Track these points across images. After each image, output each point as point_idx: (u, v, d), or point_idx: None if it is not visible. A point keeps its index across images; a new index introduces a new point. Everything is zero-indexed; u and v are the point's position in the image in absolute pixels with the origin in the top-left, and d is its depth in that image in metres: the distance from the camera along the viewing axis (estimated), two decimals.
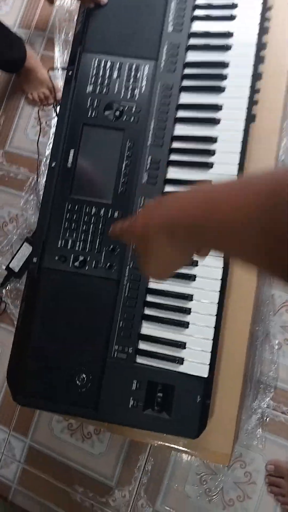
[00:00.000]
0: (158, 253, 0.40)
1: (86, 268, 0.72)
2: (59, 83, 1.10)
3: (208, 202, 0.33)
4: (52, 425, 1.09)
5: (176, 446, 0.75)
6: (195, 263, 0.69)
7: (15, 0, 1.29)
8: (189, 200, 0.36)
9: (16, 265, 1.16)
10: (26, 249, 1.16)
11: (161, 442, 0.75)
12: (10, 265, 1.16)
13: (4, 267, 1.16)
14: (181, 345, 0.68)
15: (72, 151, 0.74)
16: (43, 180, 1.10)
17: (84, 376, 0.70)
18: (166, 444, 0.75)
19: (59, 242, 0.73)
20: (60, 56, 1.12)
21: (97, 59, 0.75)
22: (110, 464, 1.03)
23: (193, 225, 0.35)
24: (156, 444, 0.75)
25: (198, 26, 0.74)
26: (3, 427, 1.13)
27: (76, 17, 0.77)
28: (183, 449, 0.76)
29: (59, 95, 0.86)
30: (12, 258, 1.16)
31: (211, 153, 0.70)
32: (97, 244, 0.72)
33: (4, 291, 1.17)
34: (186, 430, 0.68)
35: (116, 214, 0.72)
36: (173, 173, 0.72)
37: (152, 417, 0.68)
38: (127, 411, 0.68)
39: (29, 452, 1.10)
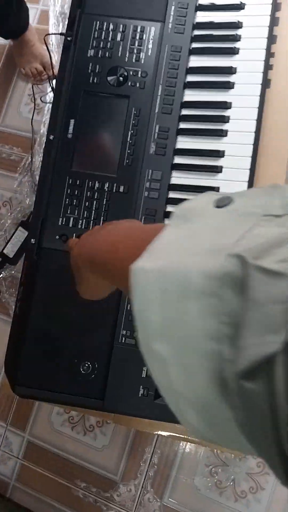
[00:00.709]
0: (86, 278, 0.45)
1: None
2: (54, 58, 1.03)
3: (111, 246, 0.38)
4: (52, 419, 1.04)
5: (187, 437, 0.71)
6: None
7: None
8: (104, 241, 0.40)
9: (10, 250, 1.10)
10: (21, 234, 1.10)
11: (172, 433, 0.71)
12: (4, 251, 1.10)
13: None
14: None
15: (72, 121, 0.68)
16: (38, 160, 1.03)
17: (89, 364, 0.65)
18: (177, 435, 0.70)
19: (60, 220, 0.67)
20: (55, 30, 1.06)
21: (98, 22, 0.69)
22: (114, 458, 0.98)
23: (99, 264, 0.39)
24: (167, 435, 0.70)
25: None
26: None
27: None
28: (195, 439, 0.71)
29: (54, 71, 0.80)
30: (6, 243, 1.10)
31: (225, 119, 0.65)
32: (101, 221, 0.66)
33: None
34: None
35: (121, 188, 0.66)
36: (183, 143, 0.67)
37: (163, 407, 0.63)
38: (137, 401, 0.63)
39: (27, 447, 1.05)
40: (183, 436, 0.71)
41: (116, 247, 0.37)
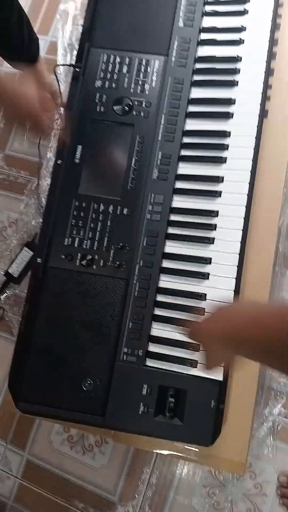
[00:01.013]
0: (215, 351, 0.52)
1: (94, 267, 0.69)
2: (62, 87, 1.08)
3: (256, 321, 0.42)
4: (52, 438, 1.04)
5: (186, 456, 0.71)
6: (208, 261, 0.67)
7: None
8: (242, 318, 0.45)
9: (15, 270, 1.12)
10: (26, 254, 1.13)
11: (171, 452, 0.71)
12: (9, 270, 1.12)
13: (2, 273, 1.12)
14: (195, 347, 0.64)
15: (79, 147, 0.72)
16: (44, 183, 1.07)
17: (91, 381, 0.67)
18: (176, 453, 0.71)
19: (66, 240, 0.70)
20: (63, 60, 1.11)
21: (105, 55, 0.73)
22: (112, 478, 0.98)
23: (241, 338, 0.44)
24: (165, 454, 0.71)
25: (209, 21, 0.73)
26: None
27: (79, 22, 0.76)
28: (194, 458, 0.72)
29: (62, 99, 0.84)
30: (11, 263, 1.12)
31: (224, 147, 0.68)
32: (105, 242, 0.69)
33: (2, 297, 1.13)
34: (200, 437, 0.64)
35: (125, 211, 0.69)
36: (184, 168, 0.70)
37: (163, 424, 0.65)
38: (137, 418, 0.64)
39: (26, 466, 1.05)
40: (181, 454, 0.72)
41: (258, 324, 0.41)
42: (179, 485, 0.94)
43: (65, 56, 1.11)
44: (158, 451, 0.73)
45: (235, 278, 0.65)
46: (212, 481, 0.92)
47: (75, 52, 1.07)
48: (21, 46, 0.84)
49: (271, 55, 0.71)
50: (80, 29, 0.80)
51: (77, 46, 0.99)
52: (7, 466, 1.07)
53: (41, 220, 0.89)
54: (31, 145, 1.14)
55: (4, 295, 1.14)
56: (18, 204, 1.14)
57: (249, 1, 0.72)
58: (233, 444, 0.68)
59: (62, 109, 0.81)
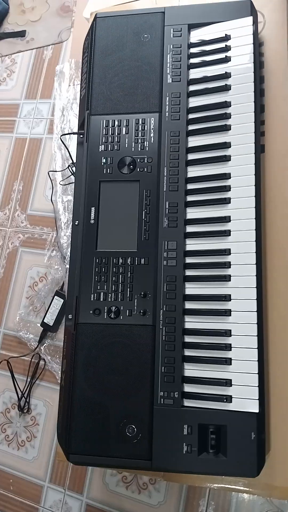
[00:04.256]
0: None
1: (121, 317, 0.73)
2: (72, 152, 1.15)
3: None
4: (106, 480, 1.07)
5: (236, 487, 0.73)
6: (228, 298, 0.70)
7: (19, 75, 1.38)
8: None
9: (50, 319, 1.18)
10: (58, 302, 1.19)
11: (221, 485, 0.73)
12: (45, 320, 1.19)
13: (39, 325, 1.19)
14: (227, 383, 0.67)
15: (93, 209, 0.77)
16: (62, 233, 1.14)
17: (134, 426, 0.70)
18: (226, 486, 0.73)
19: (92, 296, 0.75)
20: (60, 120, 1.19)
21: (105, 120, 0.79)
22: None
23: None
24: (215, 487, 0.73)
25: (195, 73, 0.78)
26: (57, 487, 1.12)
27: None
28: (244, 489, 0.73)
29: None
30: (46, 313, 1.19)
31: (226, 188, 0.72)
32: (128, 292, 0.74)
33: (42, 348, 1.18)
34: (245, 470, 0.66)
35: (142, 261, 0.74)
36: (192, 213, 0.74)
37: (208, 461, 0.67)
38: (182, 458, 0.67)
39: (87, 510, 1.08)
40: (233, 486, 0.73)
41: None
42: None
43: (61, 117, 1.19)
44: (209, 486, 0.75)
45: (256, 312, 0.68)
46: (269, 507, 0.93)
47: (72, 112, 1.15)
48: None
49: (259, 94, 0.75)
50: (77, 88, 0.87)
51: (75, 106, 1.07)
52: None
53: (67, 266, 0.95)
54: (50, 203, 1.22)
55: (44, 345, 1.19)
56: (44, 258, 1.21)
57: (230, 49, 0.77)
58: (281, 471, 0.70)
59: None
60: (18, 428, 1.20)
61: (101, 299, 0.74)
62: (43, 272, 1.22)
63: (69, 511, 1.11)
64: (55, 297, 1.19)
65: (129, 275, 0.74)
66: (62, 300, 1.18)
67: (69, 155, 0.93)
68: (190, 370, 0.70)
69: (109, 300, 0.74)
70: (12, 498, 1.16)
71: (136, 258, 0.74)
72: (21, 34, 1.40)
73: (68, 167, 1.02)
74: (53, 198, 1.18)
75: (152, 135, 0.77)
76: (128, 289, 0.74)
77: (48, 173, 1.15)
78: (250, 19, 0.77)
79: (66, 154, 1.11)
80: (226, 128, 0.74)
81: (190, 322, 0.71)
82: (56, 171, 1.14)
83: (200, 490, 0.99)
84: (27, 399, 1.19)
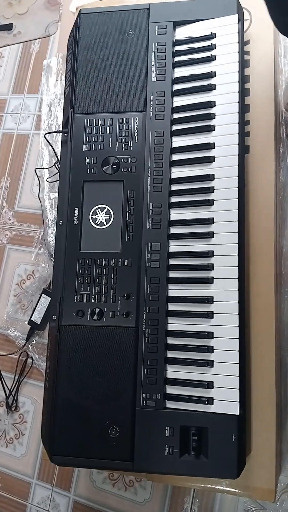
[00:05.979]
0: None
1: (104, 319, 0.73)
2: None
3: None
4: (93, 477, 1.07)
5: (218, 487, 0.74)
6: (210, 300, 0.70)
7: (6, 69, 1.36)
8: None
9: (37, 317, 1.18)
10: (45, 301, 1.18)
11: (203, 485, 0.74)
12: (32, 318, 1.18)
13: (27, 323, 1.18)
14: (209, 385, 0.67)
15: (76, 209, 0.76)
16: (49, 231, 1.13)
17: (116, 428, 0.70)
18: (208, 486, 0.74)
19: (75, 298, 0.74)
20: (48, 116, 1.18)
21: (88, 119, 0.78)
22: (156, 511, 1.00)
23: None
24: (198, 487, 0.74)
25: (180, 72, 0.77)
26: (45, 484, 1.12)
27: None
28: (226, 489, 0.74)
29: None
30: (33, 311, 1.18)
31: (210, 190, 0.72)
32: (111, 294, 0.73)
33: (30, 346, 1.18)
34: (226, 471, 0.67)
35: (126, 262, 0.73)
36: (175, 214, 0.74)
37: (189, 462, 0.67)
38: (164, 459, 0.67)
39: (74, 507, 1.09)
40: (214, 487, 0.74)
41: None
42: (220, 511, 0.95)
43: (49, 112, 1.18)
44: (191, 485, 0.75)
45: (238, 314, 0.68)
46: (252, 504, 0.93)
47: (59, 108, 1.13)
48: None
49: (243, 94, 0.75)
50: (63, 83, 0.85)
51: (62, 101, 1.06)
52: (56, 508, 1.11)
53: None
54: (37, 200, 1.21)
55: (31, 343, 1.19)
56: (31, 256, 1.20)
57: (215, 48, 0.76)
58: (261, 473, 0.71)
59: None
60: (6, 425, 1.20)
61: (84, 301, 0.74)
62: (30, 270, 1.21)
63: (56, 507, 1.11)
64: (43, 295, 1.19)
65: (112, 277, 0.74)
66: (50, 298, 1.17)
67: (54, 153, 0.92)
68: (173, 372, 0.70)
69: (92, 301, 0.74)
70: (0, 495, 1.17)
71: (120, 260, 0.74)
72: (8, 27, 1.37)
73: (55, 164, 1.01)
74: (41, 195, 1.17)
75: (136, 134, 0.76)
76: (112, 290, 0.73)
77: (35, 170, 1.14)
78: (236, 17, 0.76)
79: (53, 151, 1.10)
80: (211, 128, 0.73)
81: (173, 324, 0.71)
82: (43, 168, 1.13)
83: (185, 488, 1.00)
84: (15, 397, 1.19)
